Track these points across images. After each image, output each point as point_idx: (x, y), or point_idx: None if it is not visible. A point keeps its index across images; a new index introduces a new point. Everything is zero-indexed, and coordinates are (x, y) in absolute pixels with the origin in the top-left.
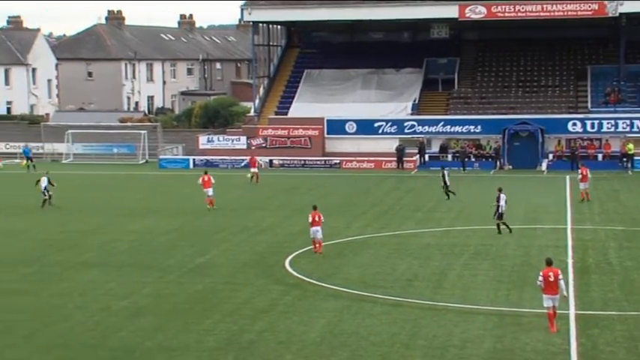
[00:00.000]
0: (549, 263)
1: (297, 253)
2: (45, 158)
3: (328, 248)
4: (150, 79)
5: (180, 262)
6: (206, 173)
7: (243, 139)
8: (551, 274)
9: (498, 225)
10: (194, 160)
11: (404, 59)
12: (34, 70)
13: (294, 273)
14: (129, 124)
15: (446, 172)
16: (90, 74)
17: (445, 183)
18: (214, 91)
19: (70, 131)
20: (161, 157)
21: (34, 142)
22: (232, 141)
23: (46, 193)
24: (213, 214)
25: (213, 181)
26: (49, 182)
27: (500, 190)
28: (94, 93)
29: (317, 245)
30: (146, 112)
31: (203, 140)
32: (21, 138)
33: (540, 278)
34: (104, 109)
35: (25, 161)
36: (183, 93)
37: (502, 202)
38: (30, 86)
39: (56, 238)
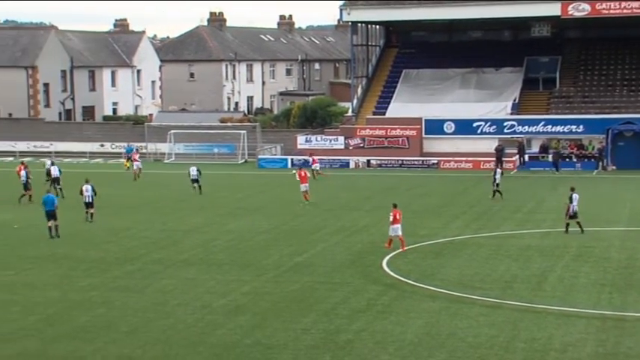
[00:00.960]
0: None
1: (394, 253)
2: (148, 158)
3: (426, 249)
4: (249, 79)
5: (278, 261)
6: (300, 168)
7: (341, 139)
8: None
9: (567, 225)
10: (292, 159)
11: (503, 58)
12: (138, 71)
13: (392, 273)
14: (229, 124)
15: (498, 171)
16: (192, 75)
17: (495, 181)
18: (312, 91)
19: (172, 131)
20: (260, 156)
21: (137, 142)
22: (330, 141)
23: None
24: (309, 213)
25: (309, 175)
26: (93, 190)
27: (572, 190)
28: (196, 94)
29: (390, 243)
30: (245, 112)
31: (301, 140)
32: (126, 138)
33: None
34: (205, 109)
35: (127, 161)
36: (282, 93)
37: (575, 202)
38: (135, 87)
39: (158, 237)
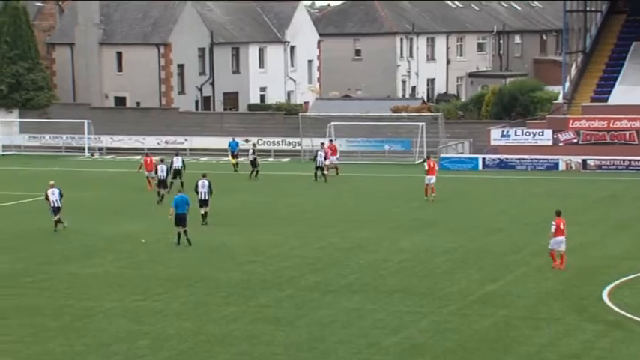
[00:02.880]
0: None
1: (618, 281)
2: (303, 157)
3: None
4: (430, 57)
5: (465, 289)
6: (429, 158)
7: (548, 133)
8: None
9: None
10: (484, 159)
11: None
12: (292, 48)
13: (615, 308)
14: (404, 114)
15: None
16: (358, 53)
17: None
18: (511, 71)
19: (332, 123)
20: (443, 155)
21: (291, 137)
22: (534, 135)
23: None
24: (505, 229)
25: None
26: (209, 187)
27: None
28: (363, 76)
29: (557, 261)
30: (425, 99)
31: (496, 134)
32: (275, 132)
33: None
34: (374, 95)
35: (232, 159)
36: (471, 74)
37: None
38: (287, 69)
39: (314, 256)
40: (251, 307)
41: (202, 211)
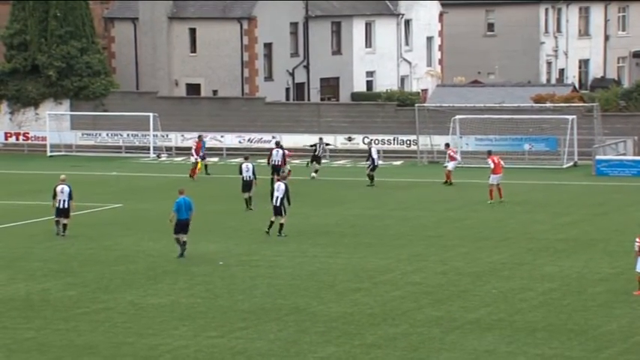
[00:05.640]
0: None
1: None
2: (420, 158)
3: None
4: (584, 32)
5: (628, 327)
6: (491, 154)
7: None
8: None
9: None
10: None
11: None
12: (407, 23)
13: None
14: (548, 105)
15: None
16: (490, 27)
17: None
18: None
19: (457, 117)
20: (599, 157)
21: (404, 135)
22: None
23: None
24: None
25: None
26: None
27: None
28: (497, 57)
29: None
30: (576, 85)
31: None
32: (385, 127)
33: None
34: (510, 82)
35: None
36: (636, 54)
37: None
38: (401, 48)
39: (434, 283)
40: (355, 348)
41: (246, 196)
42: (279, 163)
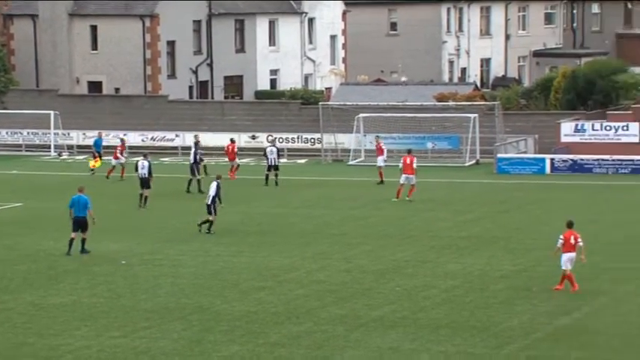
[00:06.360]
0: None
1: None
2: (324, 157)
3: None
4: (485, 32)
5: (529, 323)
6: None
7: (635, 127)
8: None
9: None
10: (553, 161)
11: None
12: (310, 21)
13: None
14: (451, 103)
15: None
16: (393, 26)
17: None
18: (588, 49)
19: (361, 115)
20: (500, 155)
21: (308, 133)
22: (616, 130)
23: None
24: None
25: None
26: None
27: None
28: (399, 56)
29: (563, 282)
30: (478, 84)
31: (567, 129)
32: (289, 126)
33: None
34: (413, 80)
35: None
36: (536, 53)
37: None
38: (305, 47)
39: (338, 281)
40: (259, 346)
41: (141, 192)
42: (271, 161)
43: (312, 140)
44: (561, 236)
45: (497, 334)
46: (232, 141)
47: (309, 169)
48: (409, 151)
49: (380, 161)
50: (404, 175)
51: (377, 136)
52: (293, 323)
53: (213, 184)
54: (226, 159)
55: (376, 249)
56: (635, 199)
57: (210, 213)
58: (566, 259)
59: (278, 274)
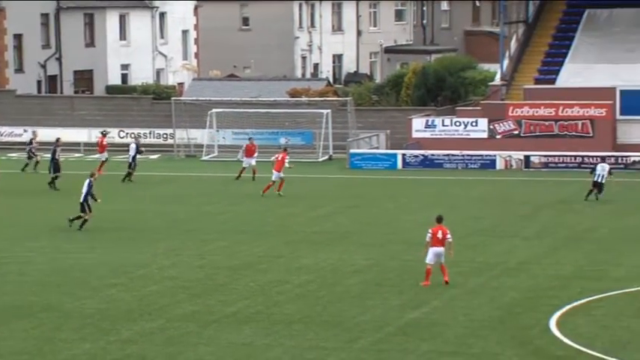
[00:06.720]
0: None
1: (569, 307)
2: (177, 152)
3: (623, 300)
4: (337, 28)
5: (381, 317)
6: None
7: (483, 122)
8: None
9: None
10: (404, 156)
11: None
12: (162, 15)
13: (565, 340)
14: (304, 99)
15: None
16: (245, 21)
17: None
18: (438, 46)
19: (214, 110)
20: (353, 150)
21: (161, 129)
22: (465, 126)
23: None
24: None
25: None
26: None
27: None
28: (252, 51)
29: (429, 278)
30: (331, 80)
31: (419, 125)
32: (141, 121)
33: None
34: (266, 76)
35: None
36: (388, 50)
37: None
38: (156, 41)
39: (191, 278)
40: (111, 344)
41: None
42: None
43: (165, 136)
44: (430, 230)
45: (349, 328)
46: (103, 134)
47: (161, 164)
48: (285, 150)
49: (248, 162)
50: (275, 172)
51: (250, 138)
52: (145, 320)
53: (86, 182)
54: (77, 154)
55: (230, 245)
56: (483, 193)
57: (83, 211)
58: (432, 254)
59: (130, 270)
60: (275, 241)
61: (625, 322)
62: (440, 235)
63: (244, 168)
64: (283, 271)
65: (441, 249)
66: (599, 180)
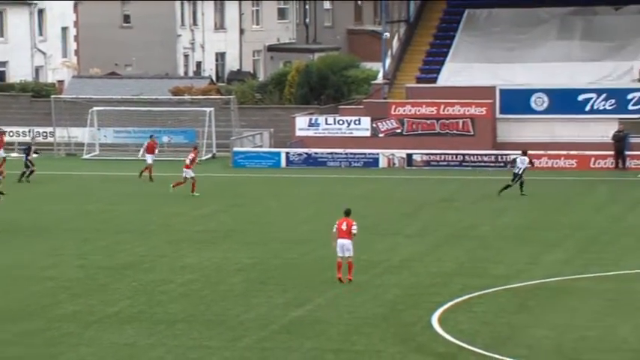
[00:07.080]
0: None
1: (451, 303)
2: (57, 151)
3: (503, 297)
4: (220, 26)
5: (265, 316)
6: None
7: (366, 121)
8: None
9: None
10: (288, 154)
11: None
12: (40, 12)
13: (447, 336)
14: (186, 97)
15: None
16: (127, 19)
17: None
18: (320, 44)
19: (94, 109)
20: (236, 149)
21: (40, 127)
22: (348, 124)
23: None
24: (314, 240)
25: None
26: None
27: None
28: (133, 49)
29: (340, 270)
30: (213, 78)
31: (302, 123)
32: (19, 119)
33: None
34: (148, 74)
35: None
36: (271, 48)
37: None
38: (35, 38)
39: (72, 277)
40: None
41: None
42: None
43: (45, 134)
44: (337, 222)
45: (233, 327)
46: (1, 132)
47: (40, 162)
48: (195, 147)
49: (149, 158)
50: (185, 169)
51: (151, 135)
52: (26, 321)
53: None
54: None
55: (112, 244)
56: (366, 192)
57: None
58: (338, 246)
59: (9, 270)
60: (158, 240)
61: (505, 318)
62: (344, 226)
63: (148, 166)
64: (167, 271)
65: (346, 241)
66: (520, 172)
